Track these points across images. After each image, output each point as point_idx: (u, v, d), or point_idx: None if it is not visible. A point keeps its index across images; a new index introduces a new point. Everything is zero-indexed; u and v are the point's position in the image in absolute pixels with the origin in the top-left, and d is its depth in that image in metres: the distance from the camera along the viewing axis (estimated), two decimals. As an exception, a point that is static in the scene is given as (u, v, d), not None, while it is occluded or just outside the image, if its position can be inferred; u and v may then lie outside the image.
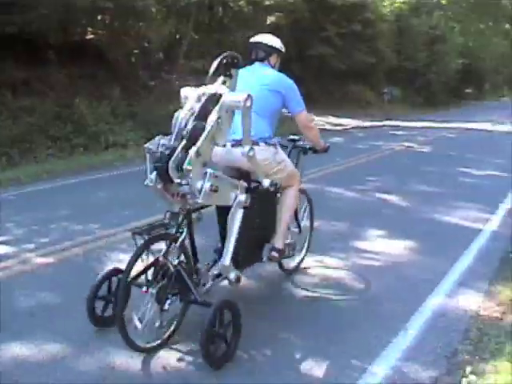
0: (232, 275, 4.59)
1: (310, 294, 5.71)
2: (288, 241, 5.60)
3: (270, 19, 30.38)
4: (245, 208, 4.51)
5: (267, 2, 26.17)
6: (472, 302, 5.63)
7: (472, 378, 4.16)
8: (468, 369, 4.31)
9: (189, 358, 4.28)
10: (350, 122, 26.96)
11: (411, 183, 11.66)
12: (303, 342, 4.70)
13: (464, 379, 4.14)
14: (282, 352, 4.48)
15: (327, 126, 25.00)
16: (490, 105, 52.36)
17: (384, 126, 26.16)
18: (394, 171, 12.77)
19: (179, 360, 4.26)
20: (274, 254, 5.22)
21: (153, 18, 20.41)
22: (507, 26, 79.09)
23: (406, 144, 18.20)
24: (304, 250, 6.39)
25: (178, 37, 22.84)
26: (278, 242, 5.26)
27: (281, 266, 5.98)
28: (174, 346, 4.42)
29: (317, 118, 26.52)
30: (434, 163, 14.14)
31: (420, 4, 42.85)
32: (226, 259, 4.49)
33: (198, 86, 4.50)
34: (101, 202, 9.64)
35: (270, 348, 4.54)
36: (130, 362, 4.20)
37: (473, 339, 4.84)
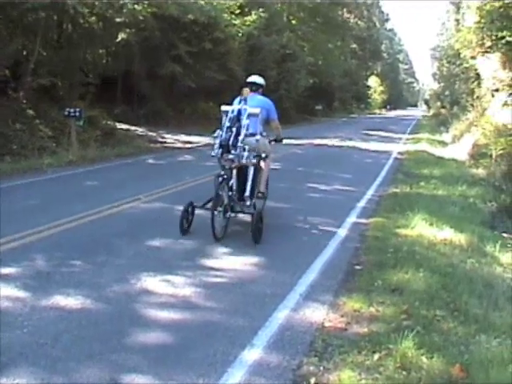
0: (248, 201, 9.14)
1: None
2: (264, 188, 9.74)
3: (121, 36, 30.10)
4: (254, 166, 9.16)
5: (118, 19, 25.83)
6: (317, 314, 5.88)
7: (315, 389, 4.35)
8: (312, 380, 4.50)
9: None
10: (200, 140, 27.09)
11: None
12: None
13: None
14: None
15: (178, 144, 25.04)
16: (338, 121, 54.56)
17: (234, 143, 26.52)
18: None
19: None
20: (260, 194, 9.54)
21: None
22: (354, 45, 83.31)
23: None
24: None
25: (24, 53, 22.08)
26: (262, 187, 9.59)
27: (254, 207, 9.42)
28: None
29: (167, 136, 26.65)
30: (283, 179, 14.50)
31: (270, 23, 43.96)
32: (248, 192, 9.07)
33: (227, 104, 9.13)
34: None
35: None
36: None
37: (318, 351, 5.05)
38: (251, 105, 8.90)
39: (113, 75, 30.10)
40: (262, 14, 39.81)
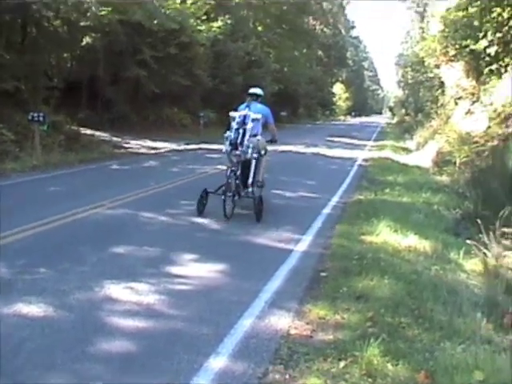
0: (251, 188, 11.22)
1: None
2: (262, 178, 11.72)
3: (86, 40, 29.89)
4: (255, 160, 11.22)
5: (83, 23, 25.63)
6: (283, 321, 5.87)
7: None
8: (278, 388, 4.49)
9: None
10: (165, 146, 27.00)
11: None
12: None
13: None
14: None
15: (142, 150, 24.91)
16: (304, 128, 54.80)
17: (200, 149, 26.43)
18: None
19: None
20: (259, 183, 11.52)
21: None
22: (320, 52, 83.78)
23: (220, 167, 18.49)
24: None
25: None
26: (260, 177, 11.59)
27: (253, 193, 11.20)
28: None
29: (132, 142, 26.48)
30: (248, 186, 14.59)
31: (236, 30, 44.02)
32: (250, 181, 11.18)
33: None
34: None
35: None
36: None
37: (284, 358, 5.04)
38: (254, 111, 11.13)
39: (77, 80, 29.85)
40: (229, 21, 39.83)
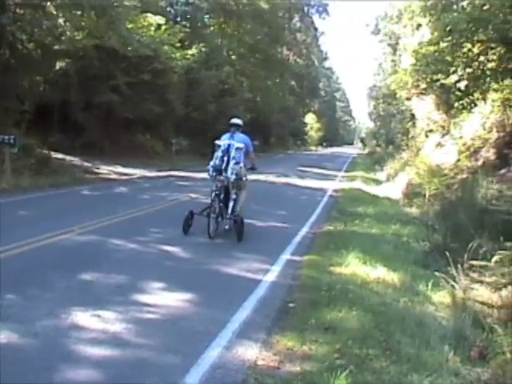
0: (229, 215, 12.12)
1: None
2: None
3: (59, 64, 29.84)
4: (237, 185, 12.27)
5: (57, 47, 25.61)
6: (250, 352, 5.85)
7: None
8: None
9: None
10: (136, 172, 26.97)
11: (194, 234, 11.82)
12: None
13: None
14: None
15: (114, 176, 24.84)
16: (275, 157, 54.94)
17: (171, 176, 26.40)
18: (178, 223, 12.87)
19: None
20: (238, 212, 12.29)
21: None
22: (293, 82, 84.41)
23: (191, 195, 18.50)
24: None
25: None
26: (242, 201, 12.59)
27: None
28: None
29: (103, 167, 26.39)
30: (219, 215, 14.59)
31: (210, 58, 44.19)
32: (230, 208, 12.13)
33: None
34: None
35: None
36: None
37: (250, 390, 5.02)
38: (237, 140, 12.18)
39: (50, 103, 29.68)
40: (203, 49, 40.04)
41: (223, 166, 11.94)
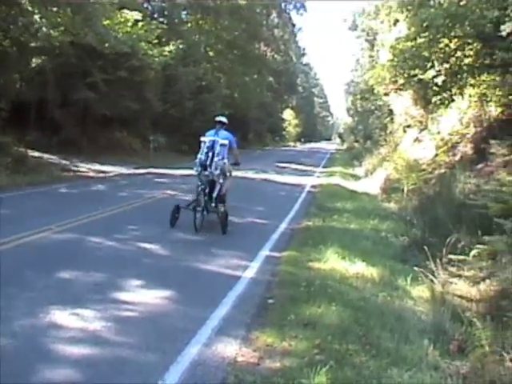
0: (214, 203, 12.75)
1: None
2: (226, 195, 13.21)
3: (36, 61, 29.58)
4: (221, 179, 12.83)
5: (33, 44, 25.39)
6: (230, 349, 5.85)
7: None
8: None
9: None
10: (114, 170, 26.84)
11: (173, 232, 11.85)
12: None
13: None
14: None
15: (91, 173, 24.72)
16: (253, 153, 54.81)
17: (149, 173, 26.31)
18: (156, 220, 12.85)
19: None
20: (224, 197, 13.01)
21: None
22: (270, 78, 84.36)
23: (169, 192, 18.46)
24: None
25: None
26: (224, 193, 13.00)
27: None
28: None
29: (81, 165, 26.22)
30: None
31: (188, 54, 44.03)
32: (216, 192, 12.68)
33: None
34: None
35: None
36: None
37: (230, 387, 5.02)
38: (221, 137, 12.78)
39: (26, 101, 29.42)
40: (180, 45, 39.87)
41: (208, 162, 12.44)
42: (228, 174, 13.21)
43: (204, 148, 12.67)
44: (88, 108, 31.58)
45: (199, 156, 12.63)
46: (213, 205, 12.69)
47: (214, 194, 12.73)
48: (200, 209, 12.28)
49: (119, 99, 32.05)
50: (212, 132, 13.01)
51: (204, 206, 12.41)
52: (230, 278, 8.63)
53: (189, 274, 8.81)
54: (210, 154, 12.52)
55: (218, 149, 12.57)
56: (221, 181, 12.87)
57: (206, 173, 12.44)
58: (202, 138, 12.94)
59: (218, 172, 12.55)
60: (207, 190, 12.60)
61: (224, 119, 13.44)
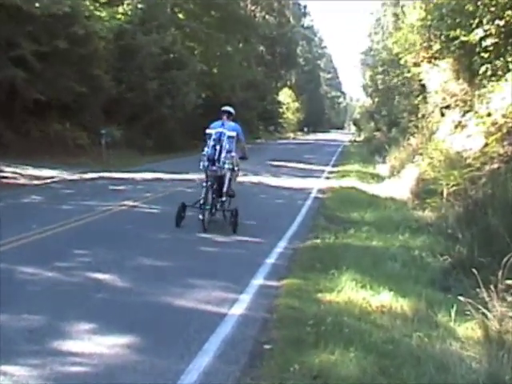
0: (224, 198, 15.56)
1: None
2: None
3: None
4: (229, 175, 15.58)
5: None
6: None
7: None
8: None
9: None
10: (53, 174, 26.72)
11: (135, 256, 11.82)
12: None
13: None
14: None
15: (22, 180, 24.58)
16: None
17: (101, 178, 26.23)
18: (112, 241, 12.80)
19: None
20: (231, 192, 15.79)
21: None
22: (261, 48, 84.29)
23: (129, 203, 18.43)
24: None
25: None
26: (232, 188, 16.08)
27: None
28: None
29: (7, 169, 26.09)
30: (166, 228, 14.50)
31: (149, 18, 43.63)
32: (224, 195, 15.42)
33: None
34: None
35: None
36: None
37: None
38: (228, 129, 15.11)
39: None
40: (139, 5, 39.75)
41: (216, 156, 14.80)
42: (236, 168, 15.65)
43: (211, 141, 15.01)
44: (15, 91, 31.35)
45: (206, 150, 14.97)
46: (223, 199, 15.18)
47: (224, 190, 15.06)
48: (208, 207, 14.65)
49: (58, 79, 31.90)
50: (218, 123, 15.37)
51: (212, 204, 14.78)
52: (213, 317, 8.63)
53: (157, 312, 8.80)
54: (218, 148, 14.89)
55: (225, 141, 14.96)
56: (229, 176, 15.08)
57: (214, 168, 14.82)
58: (208, 131, 15.25)
59: (227, 167, 14.87)
60: (215, 187, 14.91)
61: (231, 109, 15.89)
